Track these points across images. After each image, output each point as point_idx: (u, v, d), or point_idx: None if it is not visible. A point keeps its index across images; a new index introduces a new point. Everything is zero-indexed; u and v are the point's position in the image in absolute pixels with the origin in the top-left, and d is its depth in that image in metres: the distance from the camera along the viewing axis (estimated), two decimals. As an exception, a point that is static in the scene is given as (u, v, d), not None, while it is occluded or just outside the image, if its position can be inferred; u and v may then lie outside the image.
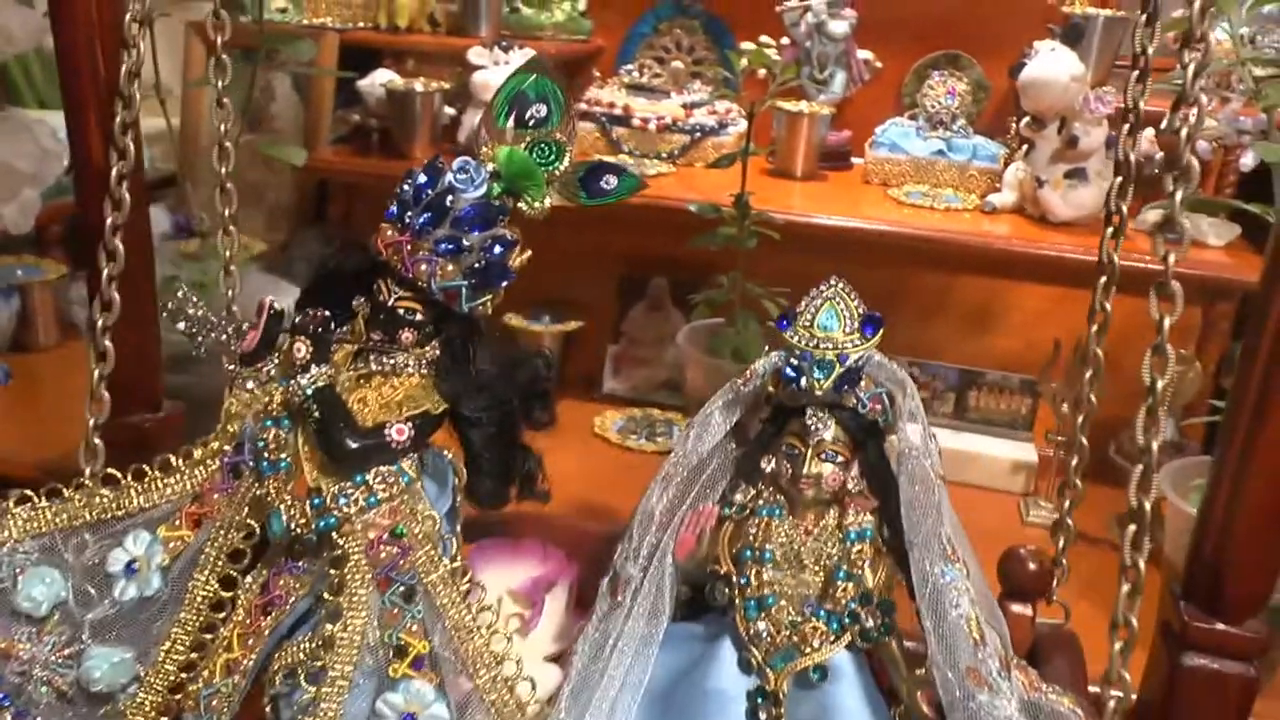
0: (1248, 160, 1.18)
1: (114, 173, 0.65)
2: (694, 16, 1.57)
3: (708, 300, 1.10)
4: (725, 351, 1.06)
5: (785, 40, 1.47)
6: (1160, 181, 1.32)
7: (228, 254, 0.72)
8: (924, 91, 1.46)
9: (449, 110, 1.45)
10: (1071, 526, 0.69)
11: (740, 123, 1.44)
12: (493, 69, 1.40)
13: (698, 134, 1.43)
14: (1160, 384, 0.56)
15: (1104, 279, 0.66)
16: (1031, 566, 0.66)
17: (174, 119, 1.66)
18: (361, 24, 1.52)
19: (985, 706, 0.52)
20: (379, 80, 1.43)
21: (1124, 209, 0.66)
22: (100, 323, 0.65)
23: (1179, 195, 0.55)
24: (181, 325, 0.61)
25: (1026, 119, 1.31)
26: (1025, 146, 1.31)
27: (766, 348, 0.60)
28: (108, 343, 0.65)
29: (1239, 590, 0.57)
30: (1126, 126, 0.65)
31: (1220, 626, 0.57)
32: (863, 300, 0.60)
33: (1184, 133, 0.55)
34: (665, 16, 1.58)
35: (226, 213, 0.73)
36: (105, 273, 0.66)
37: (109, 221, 0.66)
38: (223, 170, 0.72)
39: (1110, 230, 0.67)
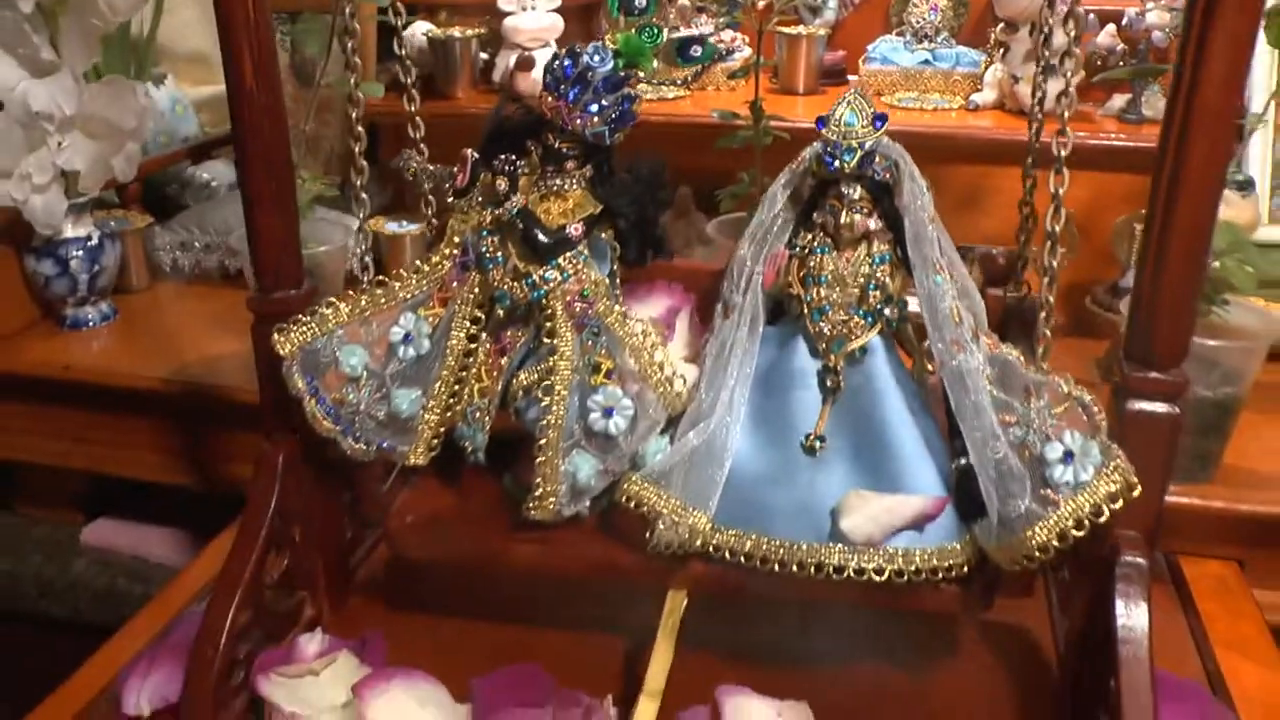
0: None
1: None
2: (695, -43, 1.73)
3: (731, 194, 1.26)
4: (749, 238, 1.21)
5: (780, -28, 1.63)
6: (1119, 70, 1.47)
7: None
8: (909, 10, 1.62)
9: (483, 55, 1.62)
10: (1030, 219, 0.93)
11: (744, 49, 1.60)
12: (520, 14, 1.56)
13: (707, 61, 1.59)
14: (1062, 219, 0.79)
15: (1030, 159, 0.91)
16: (1001, 261, 0.97)
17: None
18: (396, -18, 1.68)
19: (963, 364, 0.76)
20: (419, 31, 1.59)
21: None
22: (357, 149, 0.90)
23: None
24: (410, 175, 0.89)
25: (1001, 25, 1.48)
26: (1002, 50, 1.48)
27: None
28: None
29: (1165, 344, 0.73)
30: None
31: (1153, 375, 0.74)
32: None
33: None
34: (669, -41, 1.74)
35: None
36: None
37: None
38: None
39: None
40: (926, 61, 1.55)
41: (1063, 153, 0.77)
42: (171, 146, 1.77)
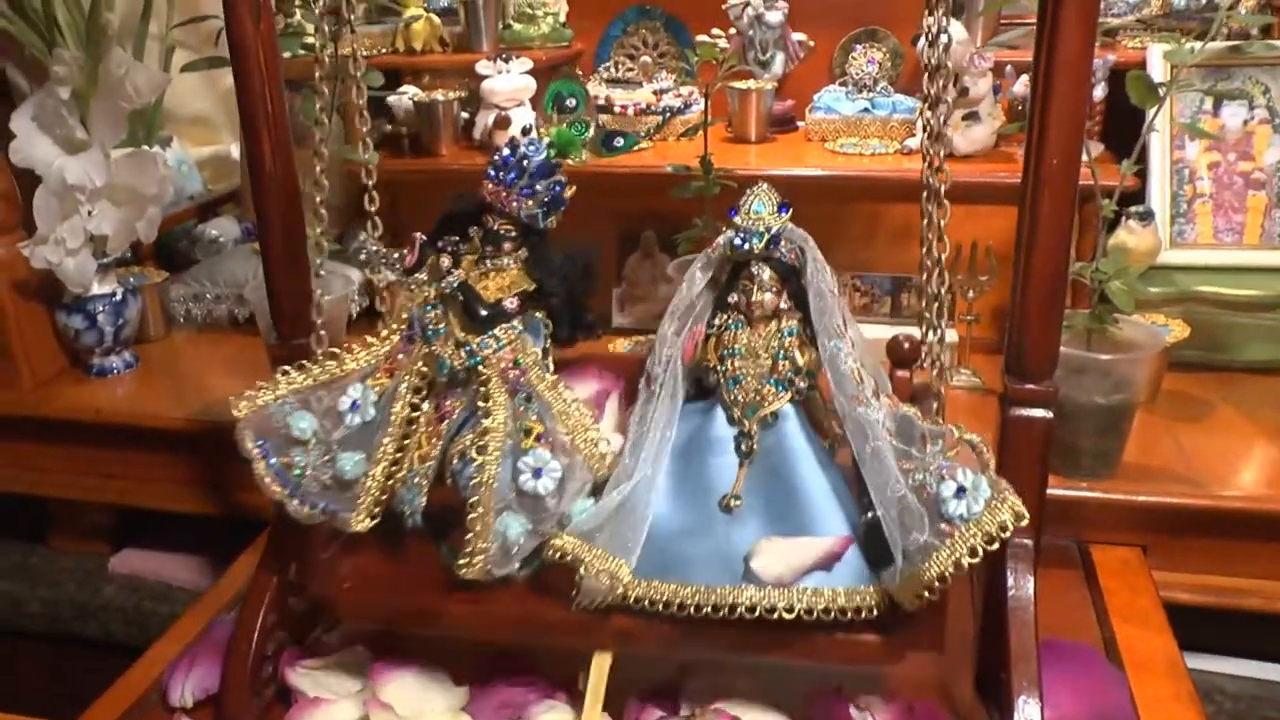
0: (1098, 93, 1.50)
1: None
2: (655, 18, 1.88)
3: (687, 238, 1.40)
4: (705, 276, 1.36)
5: (732, 31, 1.78)
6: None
7: (317, 260, 1.00)
8: (850, 62, 1.76)
9: (464, 115, 1.75)
10: (931, 318, 0.93)
11: (701, 102, 1.75)
12: (496, 77, 1.67)
13: (667, 114, 1.71)
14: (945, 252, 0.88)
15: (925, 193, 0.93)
16: (906, 346, 1.01)
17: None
18: (383, 50, 1.82)
19: (863, 416, 0.83)
20: (406, 94, 1.74)
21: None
22: (318, 242, 0.98)
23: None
24: (362, 257, 0.96)
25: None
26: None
27: (724, 230, 0.92)
28: (323, 271, 0.98)
29: (1035, 360, 0.87)
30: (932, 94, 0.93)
31: (1029, 386, 0.89)
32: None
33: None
34: (632, 20, 1.89)
35: (368, 239, 1.01)
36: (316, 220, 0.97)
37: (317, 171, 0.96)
38: (370, 188, 1.02)
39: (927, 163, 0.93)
40: (866, 109, 1.69)
41: (942, 203, 0.88)
42: (180, 205, 1.91)
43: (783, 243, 0.89)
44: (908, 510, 0.78)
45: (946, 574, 0.75)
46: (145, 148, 1.47)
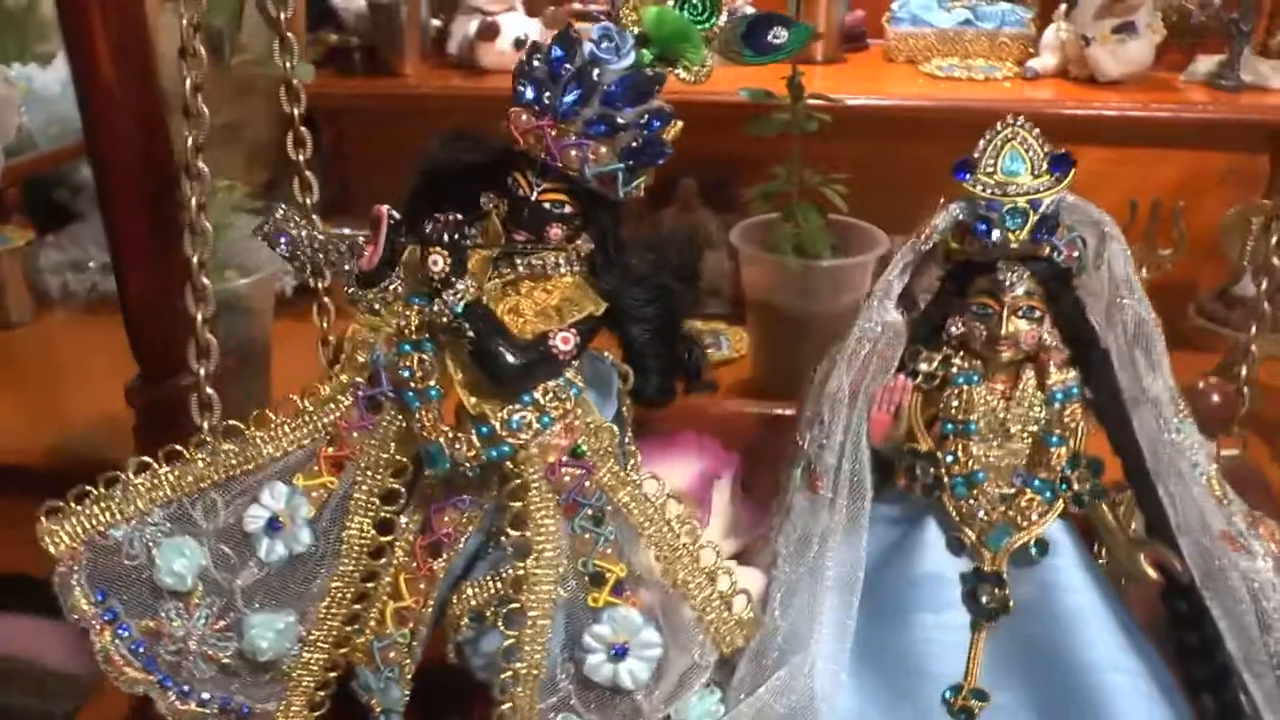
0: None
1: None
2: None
3: (763, 195, 1.03)
4: (786, 247, 0.98)
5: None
6: (1208, 31, 1.27)
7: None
8: (939, -42, 1.41)
9: (435, 21, 1.42)
10: (1254, 353, 0.67)
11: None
12: (480, -30, 1.37)
13: (714, 29, 1.36)
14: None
15: None
16: (1215, 399, 0.66)
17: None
18: (324, -66, 1.43)
19: (1249, 573, 0.49)
20: (358, -8, 1.37)
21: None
22: (200, 317, 0.62)
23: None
24: (283, 247, 0.56)
25: (1064, -25, 1.27)
26: (1065, 4, 1.30)
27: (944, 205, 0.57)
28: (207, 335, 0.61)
29: None
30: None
31: None
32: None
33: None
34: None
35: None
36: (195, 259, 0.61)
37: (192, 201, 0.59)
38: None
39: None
40: (968, 21, 1.38)
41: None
42: (64, 140, 1.52)
43: (1059, 230, 0.54)
44: None
45: None
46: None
